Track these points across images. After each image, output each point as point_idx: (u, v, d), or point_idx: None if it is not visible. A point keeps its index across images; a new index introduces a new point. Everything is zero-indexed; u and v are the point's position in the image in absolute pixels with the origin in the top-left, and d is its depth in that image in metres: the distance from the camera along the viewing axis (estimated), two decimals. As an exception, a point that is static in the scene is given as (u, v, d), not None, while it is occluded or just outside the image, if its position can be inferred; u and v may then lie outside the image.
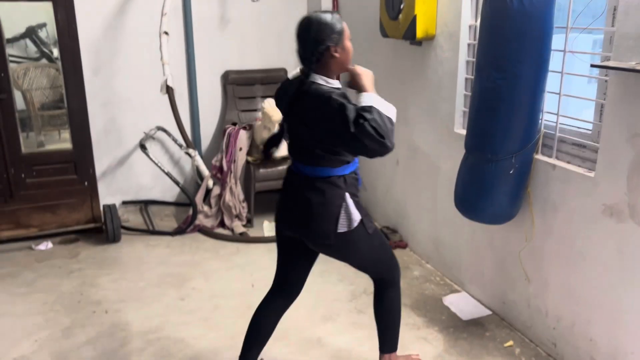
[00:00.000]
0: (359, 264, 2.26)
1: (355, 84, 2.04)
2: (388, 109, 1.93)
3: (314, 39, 1.97)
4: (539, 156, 2.56)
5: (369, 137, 1.83)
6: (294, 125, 2.10)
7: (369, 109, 1.87)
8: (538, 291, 2.65)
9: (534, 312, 2.68)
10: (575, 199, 2.37)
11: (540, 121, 2.52)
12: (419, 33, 3.12)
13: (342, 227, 2.06)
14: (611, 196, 2.20)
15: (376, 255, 2.23)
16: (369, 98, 1.93)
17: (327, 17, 1.99)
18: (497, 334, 2.81)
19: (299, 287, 2.33)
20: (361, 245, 2.14)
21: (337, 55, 2.00)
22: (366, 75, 2.02)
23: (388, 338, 2.38)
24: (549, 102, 2.53)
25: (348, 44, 2.03)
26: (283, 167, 4.04)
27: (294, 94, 2.04)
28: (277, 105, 2.22)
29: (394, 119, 1.92)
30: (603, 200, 2.24)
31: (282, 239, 2.29)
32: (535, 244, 2.62)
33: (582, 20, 2.38)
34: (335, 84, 2.06)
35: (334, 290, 3.25)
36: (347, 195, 2.07)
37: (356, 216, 2.07)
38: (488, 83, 2.41)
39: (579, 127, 2.46)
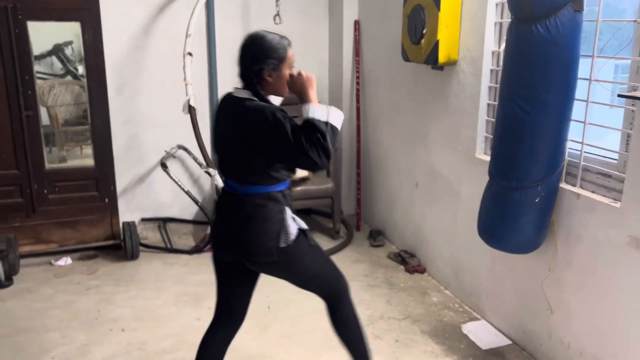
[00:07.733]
0: (304, 280, 2.16)
1: (294, 91, 1.97)
2: (335, 118, 1.91)
3: (251, 56, 1.95)
4: (563, 185, 2.52)
5: (310, 160, 1.84)
6: (229, 142, 2.03)
7: (319, 128, 1.85)
8: (560, 322, 2.59)
9: (556, 344, 2.62)
10: (600, 229, 2.33)
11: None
12: (441, 58, 3.12)
13: (282, 242, 2.00)
14: (638, 228, 2.15)
15: (319, 269, 2.16)
16: (313, 110, 1.89)
17: (273, 39, 1.97)
18: (518, 364, 2.75)
19: (242, 314, 2.23)
20: (305, 258, 2.09)
21: (269, 79, 1.97)
22: (308, 82, 1.95)
23: (360, 356, 2.24)
24: (572, 130, 2.50)
25: (286, 72, 1.99)
26: (302, 188, 4.03)
27: (231, 110, 2.00)
28: (215, 120, 2.14)
29: (339, 127, 1.91)
30: (629, 231, 2.19)
31: (220, 266, 2.17)
32: (558, 274, 2.57)
33: (608, 47, 2.36)
34: (272, 100, 2.01)
35: (351, 314, 3.20)
36: (286, 209, 2.03)
37: (293, 229, 2.02)
38: (513, 110, 2.38)
39: (604, 157, 2.42)
